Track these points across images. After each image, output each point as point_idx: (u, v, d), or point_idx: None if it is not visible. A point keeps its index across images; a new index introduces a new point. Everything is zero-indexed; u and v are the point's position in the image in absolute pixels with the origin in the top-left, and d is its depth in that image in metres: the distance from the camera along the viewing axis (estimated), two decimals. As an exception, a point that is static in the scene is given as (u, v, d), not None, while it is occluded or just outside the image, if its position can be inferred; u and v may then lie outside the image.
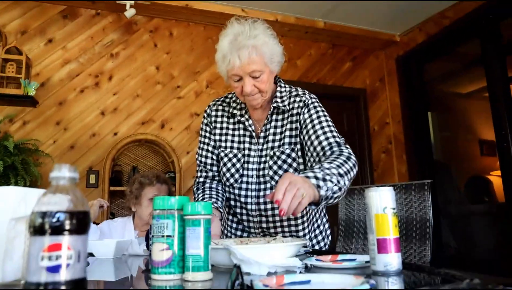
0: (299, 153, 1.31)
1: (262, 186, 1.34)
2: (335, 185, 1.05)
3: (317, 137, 1.25)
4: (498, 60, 3.19)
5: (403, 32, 4.15)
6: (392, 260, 0.80)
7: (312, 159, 1.26)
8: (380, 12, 3.76)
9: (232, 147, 1.41)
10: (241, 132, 1.42)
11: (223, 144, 1.43)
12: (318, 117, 1.30)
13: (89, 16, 3.42)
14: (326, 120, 1.30)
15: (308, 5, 3.63)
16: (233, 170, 1.38)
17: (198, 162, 1.49)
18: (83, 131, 3.23)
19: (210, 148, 1.46)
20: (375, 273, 0.81)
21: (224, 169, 1.41)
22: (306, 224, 1.41)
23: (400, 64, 4.22)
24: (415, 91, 4.06)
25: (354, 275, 0.69)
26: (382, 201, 0.84)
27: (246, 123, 1.40)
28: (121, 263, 1.22)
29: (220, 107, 1.48)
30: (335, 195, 1.07)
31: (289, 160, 1.31)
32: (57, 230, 0.53)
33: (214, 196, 1.39)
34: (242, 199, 1.38)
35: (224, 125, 1.45)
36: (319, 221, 1.49)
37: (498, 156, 3.13)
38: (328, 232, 1.53)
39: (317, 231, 1.47)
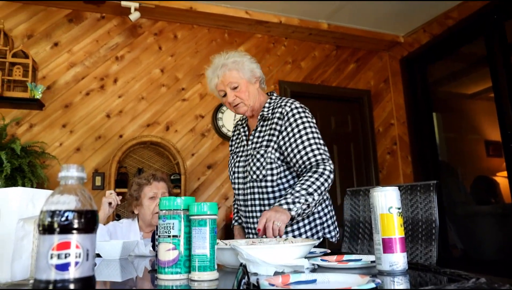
0: (271, 156, 1.56)
1: (246, 179, 1.64)
2: (303, 204, 1.38)
3: (299, 152, 1.52)
4: (503, 60, 3.17)
5: (407, 33, 4.14)
6: (397, 259, 0.81)
7: (295, 168, 1.55)
8: (383, 13, 3.76)
9: (234, 153, 1.76)
10: (241, 138, 1.75)
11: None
12: (299, 131, 1.53)
13: (94, 19, 3.45)
14: (306, 133, 1.53)
15: (311, 7, 3.63)
16: (229, 170, 1.74)
17: None
18: (88, 133, 3.25)
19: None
20: (381, 272, 0.81)
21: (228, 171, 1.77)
22: None
23: (404, 65, 4.21)
24: (419, 92, 4.04)
25: (359, 274, 0.70)
26: (387, 201, 0.84)
27: (242, 131, 1.75)
28: (127, 264, 1.23)
29: (236, 123, 1.88)
30: (306, 211, 1.40)
31: (262, 159, 1.57)
32: (66, 228, 0.53)
33: (236, 217, 1.84)
34: (237, 191, 1.71)
35: (235, 137, 1.82)
36: (311, 217, 1.59)
37: (504, 157, 3.11)
38: (328, 224, 1.62)
39: (304, 224, 1.58)
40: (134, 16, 3.27)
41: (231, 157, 1.78)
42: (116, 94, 3.39)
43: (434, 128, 3.93)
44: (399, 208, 0.84)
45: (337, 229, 1.67)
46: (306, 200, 1.38)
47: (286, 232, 1.53)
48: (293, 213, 1.35)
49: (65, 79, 3.27)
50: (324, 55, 4.17)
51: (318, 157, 1.49)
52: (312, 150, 1.50)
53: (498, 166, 3.44)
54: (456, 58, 3.84)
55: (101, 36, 3.44)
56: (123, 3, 3.25)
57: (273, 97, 1.68)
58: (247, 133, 1.73)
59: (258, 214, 1.60)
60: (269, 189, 1.56)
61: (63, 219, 0.53)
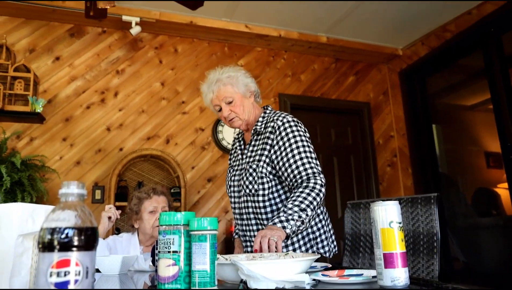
0: (263, 170, 1.56)
1: (241, 193, 1.64)
2: (297, 220, 1.35)
3: (290, 166, 1.50)
4: (501, 73, 3.19)
5: (406, 45, 4.18)
6: (399, 274, 0.80)
7: (287, 182, 1.54)
8: (382, 26, 3.80)
9: (231, 166, 1.77)
10: (237, 152, 1.76)
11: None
12: (290, 145, 1.52)
13: (96, 34, 3.49)
14: (297, 147, 1.51)
15: (311, 20, 3.67)
16: (226, 183, 1.76)
17: None
18: (89, 147, 3.25)
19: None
20: (383, 288, 0.81)
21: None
22: None
23: (403, 77, 4.23)
24: (419, 104, 4.06)
25: (361, 290, 0.69)
26: (387, 215, 0.84)
27: (238, 145, 1.76)
28: (127, 279, 1.22)
29: (234, 137, 1.86)
30: (301, 227, 1.38)
31: (254, 174, 1.57)
32: (66, 246, 0.53)
33: (236, 229, 1.81)
34: (233, 205, 1.72)
35: (233, 151, 1.81)
36: (304, 232, 1.58)
37: (505, 168, 3.11)
38: (321, 239, 1.60)
39: (298, 239, 1.57)
40: (135, 30, 3.31)
41: (228, 171, 1.79)
42: (117, 108, 3.40)
43: (434, 140, 3.93)
44: (400, 223, 0.84)
45: (334, 243, 1.65)
46: (300, 217, 1.36)
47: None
48: (288, 231, 1.32)
49: (66, 93, 3.29)
50: (323, 68, 4.20)
51: (309, 171, 1.47)
52: (303, 164, 1.49)
53: (498, 178, 3.44)
54: (454, 71, 3.87)
55: (102, 50, 3.47)
56: (124, 18, 3.29)
57: (267, 111, 1.69)
58: (242, 147, 1.74)
59: (254, 227, 1.60)
60: (261, 204, 1.56)
61: (63, 236, 0.53)
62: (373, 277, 0.88)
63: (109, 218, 1.87)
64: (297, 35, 3.85)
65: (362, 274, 0.94)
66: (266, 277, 0.82)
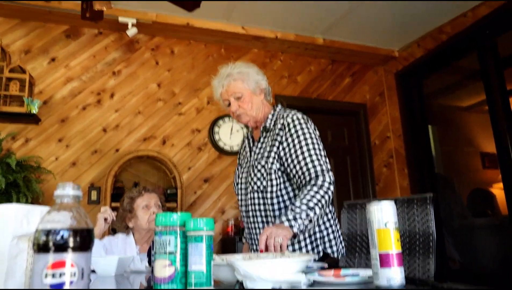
0: (272, 167, 1.55)
1: (248, 190, 1.64)
2: (305, 219, 1.35)
3: (299, 163, 1.50)
4: (496, 74, 3.21)
5: (402, 47, 4.20)
6: (395, 274, 0.80)
7: (295, 180, 1.53)
8: (378, 28, 3.82)
9: (239, 164, 1.78)
10: (246, 150, 1.76)
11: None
12: (299, 142, 1.52)
13: (92, 35, 3.48)
14: (306, 144, 1.51)
15: (307, 22, 3.68)
16: (234, 181, 1.76)
17: None
18: (85, 148, 3.24)
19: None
20: (378, 288, 0.81)
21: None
22: None
23: (399, 79, 4.25)
24: (415, 105, 4.08)
25: (357, 290, 0.69)
26: (383, 216, 0.84)
27: (247, 143, 1.76)
28: (123, 280, 1.21)
29: (244, 136, 1.90)
30: (308, 226, 1.37)
31: (262, 170, 1.57)
32: (61, 247, 0.53)
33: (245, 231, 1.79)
34: (240, 203, 1.72)
35: (242, 150, 1.83)
36: (312, 231, 1.55)
37: (500, 168, 3.13)
38: (329, 238, 1.57)
39: (304, 237, 1.54)
40: (132, 32, 3.30)
41: (236, 169, 1.78)
42: (113, 109, 3.40)
43: (430, 141, 3.95)
44: (395, 223, 0.84)
45: (342, 244, 1.62)
46: (308, 215, 1.35)
47: (287, 247, 1.51)
48: (295, 229, 1.31)
49: (62, 94, 3.28)
50: (320, 70, 4.20)
51: (318, 168, 1.46)
52: (312, 161, 1.48)
53: (494, 178, 3.46)
54: (450, 72, 3.89)
55: (98, 52, 3.46)
56: (121, 19, 3.29)
57: (277, 109, 1.69)
58: (251, 144, 1.74)
59: (260, 225, 1.59)
60: (269, 201, 1.55)
61: (59, 237, 0.53)
62: (369, 277, 0.88)
63: (105, 219, 1.87)
64: (294, 36, 3.85)
65: (358, 274, 0.94)
66: (262, 277, 0.82)
